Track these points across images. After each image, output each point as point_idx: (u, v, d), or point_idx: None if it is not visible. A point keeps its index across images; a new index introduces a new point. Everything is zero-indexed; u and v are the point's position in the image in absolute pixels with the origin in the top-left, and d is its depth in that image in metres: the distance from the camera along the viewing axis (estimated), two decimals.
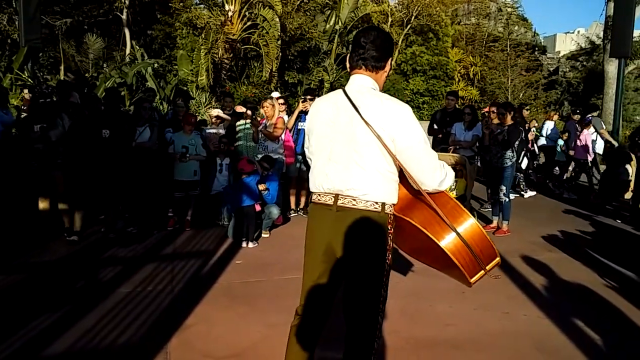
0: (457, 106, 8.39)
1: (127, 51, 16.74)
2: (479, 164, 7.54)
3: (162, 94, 13.44)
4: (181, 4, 16.71)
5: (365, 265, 2.20)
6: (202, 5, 17.41)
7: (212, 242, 5.86)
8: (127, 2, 16.95)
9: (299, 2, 16.74)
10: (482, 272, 2.21)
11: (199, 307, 3.98)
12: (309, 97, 7.51)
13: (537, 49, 25.80)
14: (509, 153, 6.30)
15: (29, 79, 11.44)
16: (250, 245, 5.68)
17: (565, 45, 44.10)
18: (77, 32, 16.91)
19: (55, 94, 6.66)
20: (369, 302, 2.23)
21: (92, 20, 17.56)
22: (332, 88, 17.53)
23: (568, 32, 51.34)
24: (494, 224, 6.67)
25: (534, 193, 9.20)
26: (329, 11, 17.97)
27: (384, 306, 2.27)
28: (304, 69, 17.83)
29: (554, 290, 4.63)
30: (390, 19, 19.22)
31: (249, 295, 4.25)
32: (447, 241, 2.15)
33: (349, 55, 2.33)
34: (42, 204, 5.74)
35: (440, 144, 7.89)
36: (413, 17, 19.10)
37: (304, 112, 7.24)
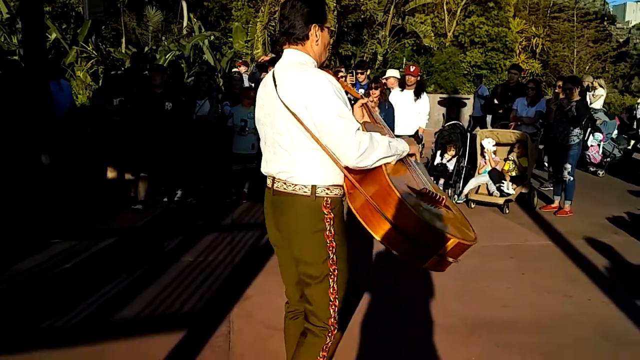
0: (519, 80, 8.06)
1: (185, 24, 16.99)
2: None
3: (219, 67, 13.63)
4: None
5: (300, 251, 2.10)
6: None
7: None
8: None
9: None
10: (435, 257, 1.91)
11: (259, 278, 4.10)
12: (359, 70, 7.50)
13: (606, 18, 24.26)
14: (576, 130, 6.02)
15: (93, 52, 11.87)
16: None
17: (636, 14, 41.33)
18: (138, 5, 17.28)
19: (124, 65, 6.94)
20: (313, 283, 2.11)
21: None
22: (384, 60, 17.23)
23: (639, 1, 47.99)
24: (556, 204, 6.44)
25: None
26: None
27: (336, 284, 2.09)
28: (358, 41, 17.57)
29: (619, 274, 4.47)
30: None
31: None
32: (379, 229, 1.90)
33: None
34: (111, 174, 6.02)
35: (500, 119, 7.65)
36: None
37: (354, 86, 7.31)
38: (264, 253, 4.65)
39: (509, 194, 6.28)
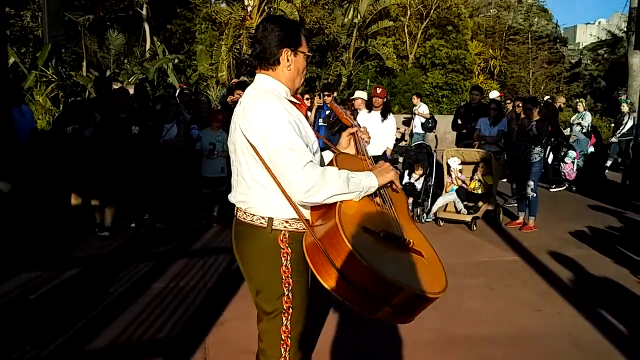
0: (482, 101, 8.32)
1: (147, 46, 16.87)
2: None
3: None
4: None
5: (256, 283, 2.04)
6: (221, 0, 17.46)
7: None
8: None
9: None
10: (387, 308, 1.71)
11: (233, 303, 4.04)
12: (326, 92, 7.56)
13: (558, 40, 25.37)
14: (537, 148, 6.24)
15: (53, 76, 11.62)
16: None
17: (586, 36, 43.48)
18: (99, 28, 17.06)
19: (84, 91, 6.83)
20: (265, 319, 2.04)
21: (113, 16, 17.71)
22: (349, 82, 17.48)
23: (588, 23, 50.57)
24: (520, 219, 6.62)
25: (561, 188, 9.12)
26: (348, 4, 17.89)
27: (289, 323, 2.00)
28: (322, 63, 17.79)
29: (585, 286, 4.62)
30: (409, 12, 19.07)
31: None
32: (325, 274, 1.74)
33: None
34: (75, 200, 5.86)
35: (464, 139, 7.85)
36: (432, 10, 18.93)
37: (322, 108, 7.36)
38: (237, 277, 4.55)
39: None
